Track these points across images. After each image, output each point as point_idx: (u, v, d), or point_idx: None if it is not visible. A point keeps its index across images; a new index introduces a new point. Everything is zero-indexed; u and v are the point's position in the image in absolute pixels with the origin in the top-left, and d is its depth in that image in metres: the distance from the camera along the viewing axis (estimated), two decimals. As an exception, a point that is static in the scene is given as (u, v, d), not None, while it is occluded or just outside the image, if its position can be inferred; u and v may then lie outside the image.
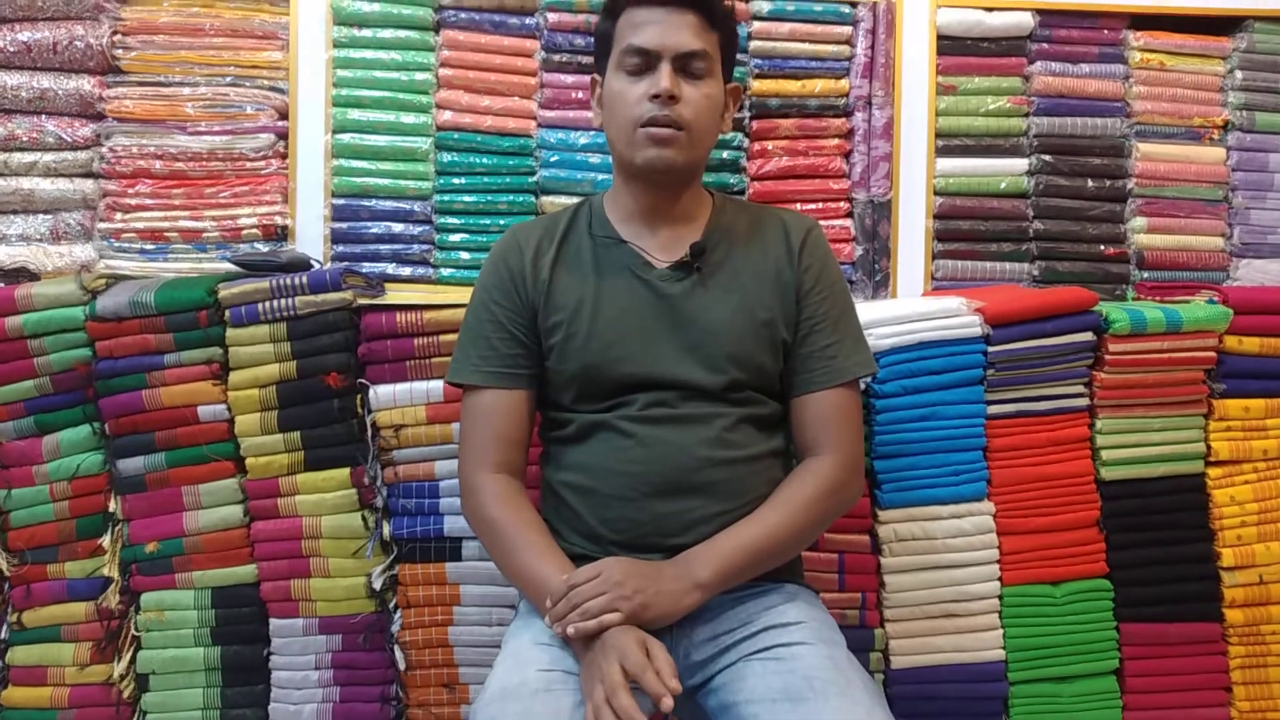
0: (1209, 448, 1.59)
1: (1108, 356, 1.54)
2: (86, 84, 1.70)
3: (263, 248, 1.74)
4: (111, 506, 1.53)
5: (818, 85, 1.78)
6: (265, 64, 1.74)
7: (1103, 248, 1.82)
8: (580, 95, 1.76)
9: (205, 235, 1.73)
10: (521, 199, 1.77)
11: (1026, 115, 1.82)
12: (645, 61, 1.21)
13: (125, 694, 1.54)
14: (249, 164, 1.74)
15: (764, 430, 1.25)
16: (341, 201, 1.75)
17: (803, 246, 1.27)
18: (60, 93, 1.70)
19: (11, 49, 1.69)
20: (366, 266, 1.74)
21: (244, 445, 1.51)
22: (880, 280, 1.80)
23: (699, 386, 1.21)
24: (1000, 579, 1.54)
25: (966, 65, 1.81)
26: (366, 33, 1.75)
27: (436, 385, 1.50)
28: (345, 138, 1.74)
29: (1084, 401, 1.57)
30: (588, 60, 1.73)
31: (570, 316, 1.24)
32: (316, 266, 1.62)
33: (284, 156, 1.75)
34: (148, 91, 1.72)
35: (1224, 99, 1.83)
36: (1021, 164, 1.82)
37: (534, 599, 1.17)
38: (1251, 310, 1.58)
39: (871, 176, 1.79)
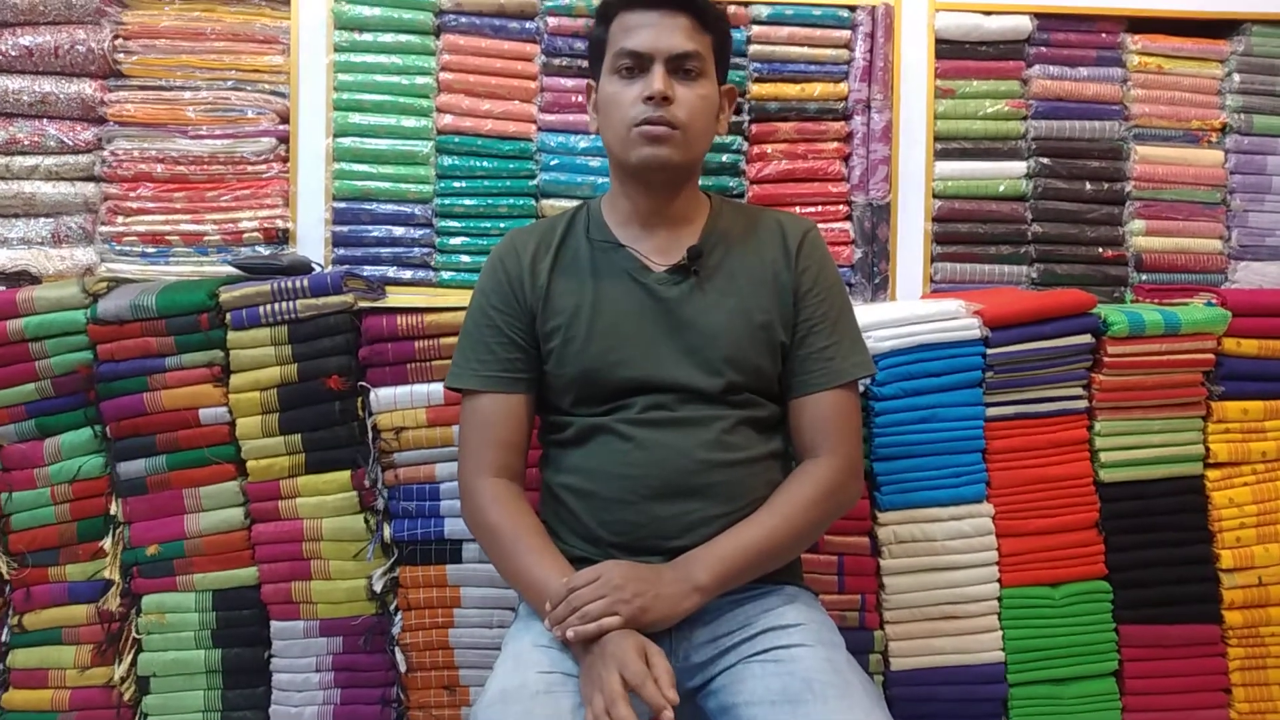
0: (1208, 450, 1.59)
1: (1106, 359, 1.54)
2: (88, 88, 1.71)
3: (264, 251, 1.74)
4: (113, 509, 1.54)
5: (817, 89, 1.79)
6: (266, 68, 1.75)
7: (1101, 250, 1.83)
8: (580, 99, 1.77)
9: (206, 239, 1.74)
10: (522, 202, 1.78)
11: (1025, 118, 1.82)
12: (639, 64, 1.21)
13: (126, 696, 1.55)
14: (250, 167, 1.74)
15: (763, 432, 1.26)
16: (342, 205, 1.76)
17: (800, 248, 1.28)
18: (62, 96, 1.70)
19: (13, 53, 1.69)
20: (367, 270, 1.74)
21: (245, 448, 1.52)
22: (879, 283, 1.80)
23: (697, 389, 1.22)
24: (999, 581, 1.55)
25: (965, 69, 1.82)
26: (367, 37, 1.75)
27: (437, 388, 1.51)
28: (346, 141, 1.75)
29: (1083, 404, 1.57)
30: (588, 64, 1.73)
31: (568, 321, 1.24)
32: (317, 270, 1.62)
33: (285, 160, 1.75)
34: (149, 95, 1.72)
35: (1222, 102, 1.84)
36: (1020, 167, 1.82)
37: (533, 602, 1.18)
38: (1250, 312, 1.59)
39: (870, 179, 1.80)
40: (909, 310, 1.56)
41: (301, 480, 1.52)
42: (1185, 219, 1.83)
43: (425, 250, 1.77)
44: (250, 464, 1.52)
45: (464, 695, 1.56)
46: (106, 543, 1.54)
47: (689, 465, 1.19)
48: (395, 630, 1.55)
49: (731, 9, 1.76)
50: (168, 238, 1.73)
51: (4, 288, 1.62)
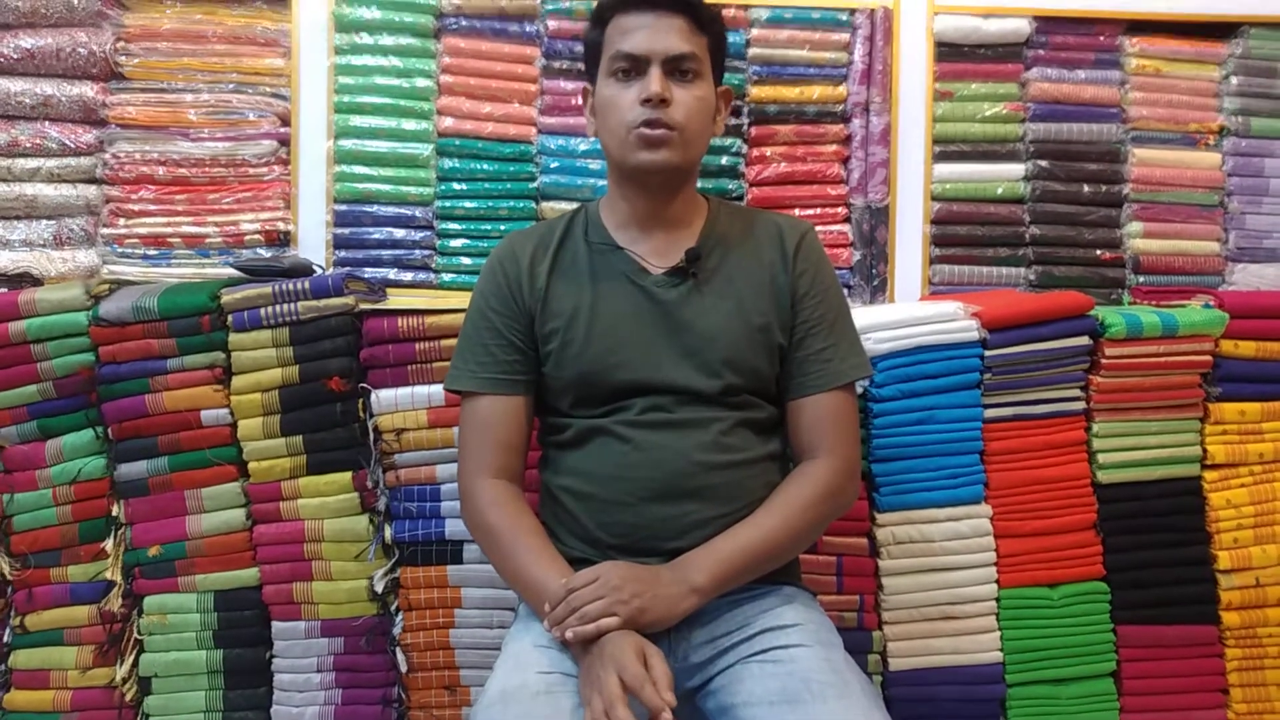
0: (1205, 451, 1.59)
1: (1104, 360, 1.55)
2: (89, 90, 1.72)
3: (265, 253, 1.75)
4: (114, 510, 1.54)
5: (816, 91, 1.79)
6: (267, 70, 1.75)
7: (1099, 252, 1.83)
8: (580, 101, 1.77)
9: (208, 241, 1.74)
10: (522, 205, 1.78)
11: (1023, 121, 1.83)
12: (635, 66, 1.22)
13: (128, 697, 1.55)
14: (251, 170, 1.75)
15: (761, 434, 1.26)
16: (343, 207, 1.76)
17: (797, 250, 1.28)
18: (63, 99, 1.71)
19: (15, 55, 1.70)
20: (368, 272, 1.75)
21: (246, 449, 1.52)
22: (878, 285, 1.81)
23: (695, 391, 1.22)
24: (998, 581, 1.55)
25: (964, 71, 1.82)
26: (368, 39, 1.76)
27: (438, 389, 1.51)
28: (347, 144, 1.75)
29: (1080, 405, 1.57)
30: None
31: (567, 323, 1.25)
32: (318, 272, 1.63)
33: (286, 162, 1.76)
34: (150, 98, 1.73)
35: (1220, 104, 1.84)
36: (1018, 169, 1.83)
37: (533, 603, 1.18)
38: (1247, 314, 1.59)
39: (869, 182, 1.80)
40: (907, 312, 1.56)
41: (303, 481, 1.53)
42: (1183, 221, 1.84)
43: (426, 252, 1.78)
44: (252, 465, 1.52)
45: (465, 695, 1.56)
46: (108, 544, 1.54)
47: (687, 467, 1.20)
48: (396, 631, 1.55)
49: (731, 11, 1.76)
50: (169, 240, 1.74)
51: (6, 289, 1.62)
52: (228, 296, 1.50)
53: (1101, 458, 1.57)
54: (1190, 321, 1.56)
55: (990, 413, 1.55)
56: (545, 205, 1.79)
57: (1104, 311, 1.58)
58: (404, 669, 1.55)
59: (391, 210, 1.77)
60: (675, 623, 1.13)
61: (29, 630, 1.56)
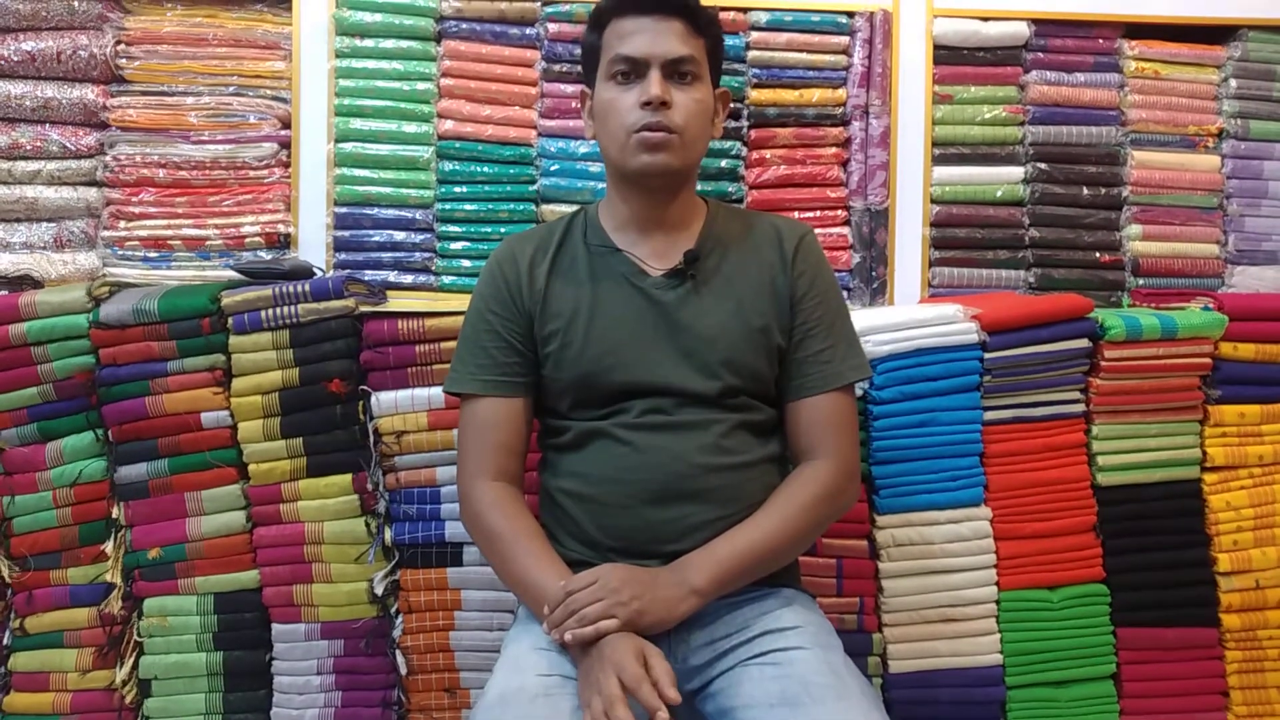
0: (1205, 453, 1.59)
1: (1103, 363, 1.55)
2: (90, 93, 1.72)
3: (265, 256, 1.75)
4: (114, 513, 1.54)
5: (815, 94, 1.79)
6: (268, 74, 1.76)
7: (1098, 255, 1.83)
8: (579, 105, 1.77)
9: (208, 243, 1.74)
10: (522, 207, 1.78)
11: (1022, 124, 1.83)
12: (634, 70, 1.22)
13: (127, 699, 1.55)
14: (252, 172, 1.75)
15: (760, 436, 1.26)
16: (344, 210, 1.77)
17: (796, 252, 1.28)
18: (64, 102, 1.71)
19: (15, 58, 1.70)
20: (368, 274, 1.75)
21: (246, 451, 1.52)
22: (877, 287, 1.81)
23: (695, 393, 1.22)
24: (997, 584, 1.55)
25: (963, 74, 1.82)
26: (369, 43, 1.76)
27: (438, 392, 1.51)
28: (347, 147, 1.76)
29: (1080, 407, 1.57)
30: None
31: (566, 325, 1.25)
32: (319, 274, 1.63)
33: (287, 165, 1.76)
34: (151, 101, 1.73)
35: (1218, 107, 1.84)
36: (1017, 172, 1.83)
37: (532, 606, 1.18)
38: (1246, 317, 1.59)
39: (869, 185, 1.80)
40: (907, 315, 1.56)
41: (303, 484, 1.53)
42: (1182, 224, 1.84)
43: (426, 255, 1.78)
44: (252, 467, 1.53)
45: (464, 697, 1.56)
46: (108, 546, 1.54)
47: (686, 469, 1.20)
48: (396, 633, 1.55)
49: (731, 15, 1.76)
50: (170, 242, 1.74)
51: (6, 292, 1.62)
52: (228, 299, 1.50)
53: (1101, 460, 1.57)
54: (1190, 324, 1.56)
55: (990, 415, 1.55)
56: (545, 208, 1.79)
57: (1103, 314, 1.58)
58: (404, 671, 1.55)
59: (392, 213, 1.77)
60: (674, 625, 1.13)
61: (29, 633, 1.56)
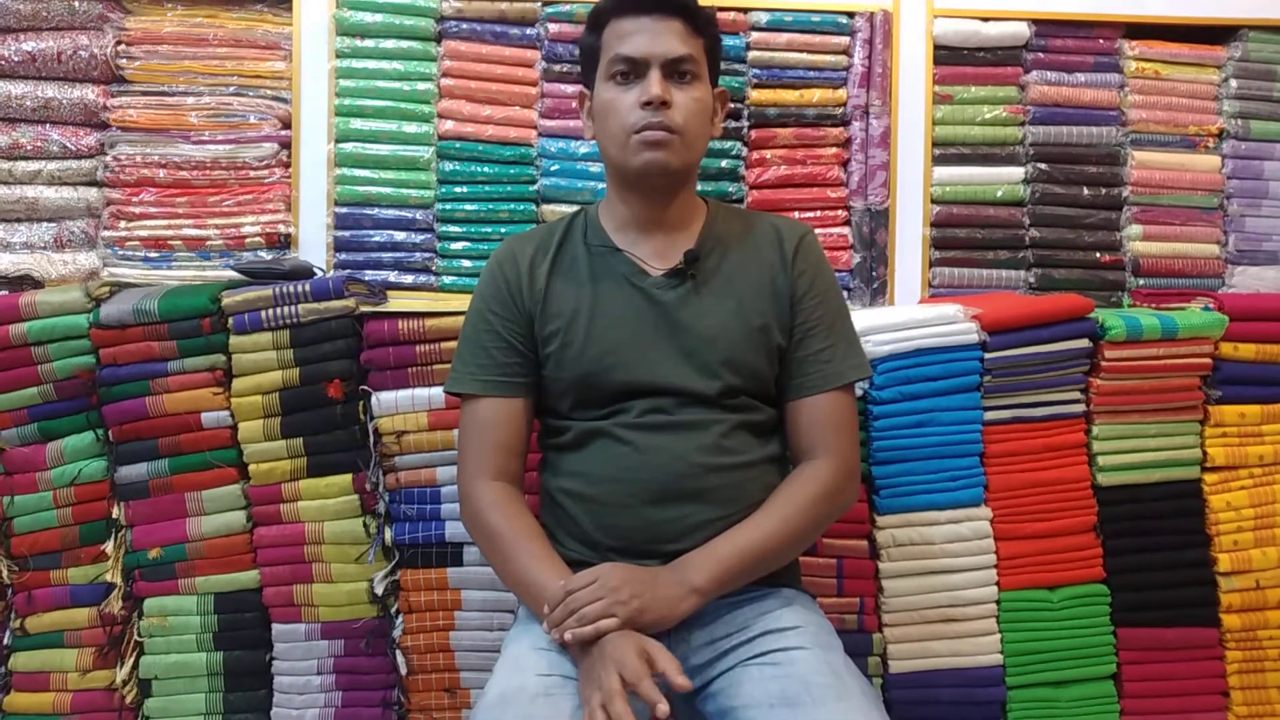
0: (1205, 453, 1.59)
1: (1104, 363, 1.55)
2: (90, 93, 1.72)
3: (266, 256, 1.75)
4: (115, 513, 1.54)
5: (815, 95, 1.80)
6: (268, 74, 1.76)
7: (1098, 255, 1.83)
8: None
9: (209, 243, 1.75)
10: (522, 208, 1.79)
11: (1022, 124, 1.83)
12: (634, 70, 1.22)
13: (128, 699, 1.55)
14: (252, 173, 1.75)
15: (760, 436, 1.26)
16: (344, 210, 1.77)
17: (796, 252, 1.28)
18: (65, 102, 1.71)
19: (16, 58, 1.71)
20: (369, 274, 1.75)
21: (247, 451, 1.52)
22: (878, 288, 1.81)
23: (695, 393, 1.22)
24: (998, 584, 1.55)
25: (963, 75, 1.83)
26: (369, 43, 1.76)
27: (438, 392, 1.51)
28: (348, 147, 1.76)
29: (1080, 408, 1.57)
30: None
31: (566, 325, 1.25)
32: (319, 274, 1.63)
33: (287, 165, 1.76)
34: (152, 101, 1.73)
35: (1219, 107, 1.85)
36: (1018, 172, 1.83)
37: (532, 605, 1.18)
38: (1247, 317, 1.59)
39: (869, 185, 1.80)
40: (907, 315, 1.56)
41: (303, 484, 1.53)
42: (1182, 224, 1.84)
43: (426, 255, 1.78)
44: (252, 468, 1.53)
45: (464, 698, 1.56)
46: (108, 546, 1.54)
47: (686, 469, 1.20)
48: (396, 633, 1.55)
49: (731, 15, 1.76)
50: (170, 242, 1.74)
51: (7, 292, 1.62)
52: (228, 299, 1.50)
53: (1101, 460, 1.57)
54: (1190, 324, 1.56)
55: (990, 415, 1.55)
56: (546, 208, 1.79)
57: (1104, 314, 1.58)
58: (404, 671, 1.55)
59: (392, 213, 1.77)
60: (675, 623, 1.13)
61: (29, 633, 1.56)
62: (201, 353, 1.51)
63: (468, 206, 1.78)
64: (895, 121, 1.80)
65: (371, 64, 1.76)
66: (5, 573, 1.55)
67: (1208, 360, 1.58)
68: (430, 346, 1.52)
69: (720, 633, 1.18)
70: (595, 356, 1.23)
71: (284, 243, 1.76)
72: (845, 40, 1.80)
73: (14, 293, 1.57)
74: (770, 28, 1.79)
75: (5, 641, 1.57)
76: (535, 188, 1.78)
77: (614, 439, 1.22)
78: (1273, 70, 1.83)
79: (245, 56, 1.75)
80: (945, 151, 1.83)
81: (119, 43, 1.72)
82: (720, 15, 1.66)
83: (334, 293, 1.51)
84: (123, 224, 1.74)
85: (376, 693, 1.57)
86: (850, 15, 1.79)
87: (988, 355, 1.53)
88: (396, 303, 1.58)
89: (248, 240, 1.75)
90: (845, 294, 1.74)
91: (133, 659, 1.55)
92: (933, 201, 1.82)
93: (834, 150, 1.81)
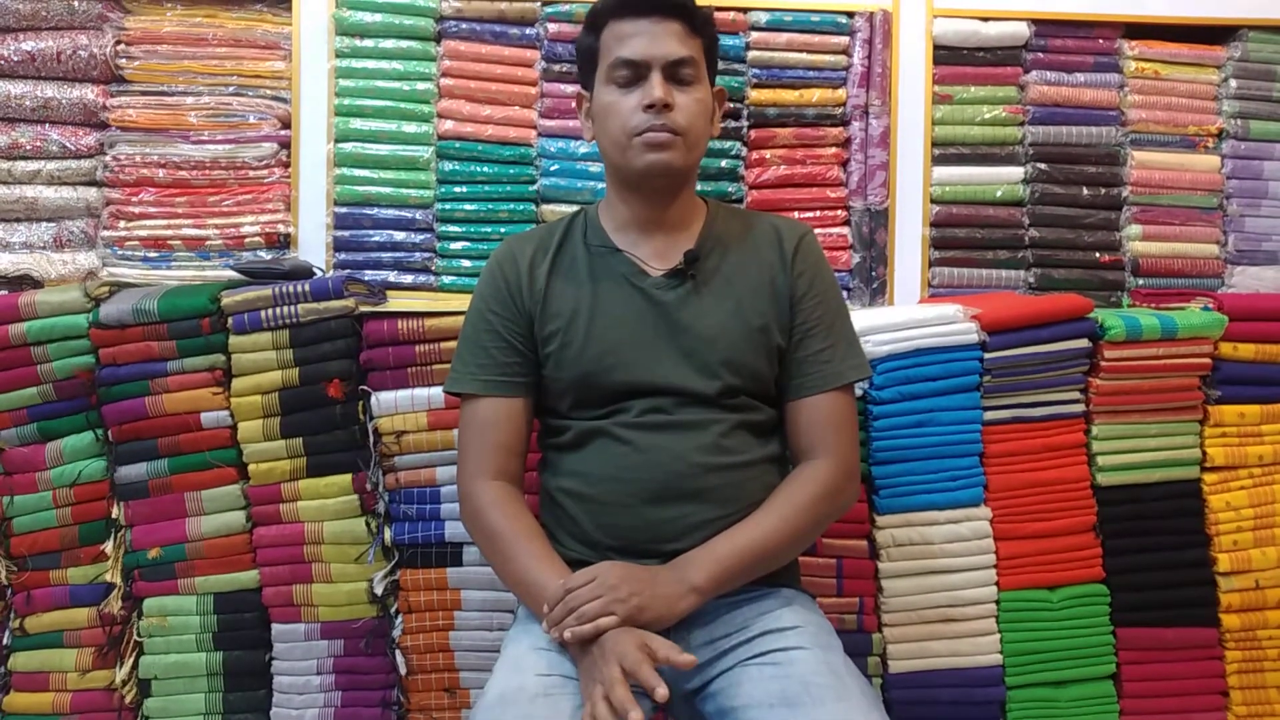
0: (1205, 453, 1.59)
1: (1103, 363, 1.55)
2: (90, 93, 1.72)
3: (265, 255, 1.75)
4: (114, 512, 1.54)
5: (815, 95, 1.79)
6: (268, 74, 1.76)
7: (1098, 255, 1.83)
8: (578, 105, 1.78)
9: (208, 243, 1.75)
10: (522, 207, 1.79)
11: (1022, 124, 1.83)
12: (635, 73, 1.22)
13: (127, 699, 1.55)
14: (252, 172, 1.75)
15: (760, 436, 1.26)
16: (343, 210, 1.77)
17: (796, 252, 1.28)
18: (64, 101, 1.71)
19: (15, 58, 1.70)
20: (368, 274, 1.75)
21: (246, 451, 1.52)
22: (877, 287, 1.81)
23: (694, 393, 1.22)
24: (997, 584, 1.55)
25: (963, 75, 1.82)
26: (368, 43, 1.76)
27: (438, 392, 1.51)
28: (347, 147, 1.76)
29: (1080, 407, 1.57)
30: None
31: (566, 325, 1.25)
32: (319, 274, 1.63)
33: (286, 165, 1.76)
34: (151, 100, 1.73)
35: (1218, 107, 1.85)
36: (1017, 172, 1.83)
37: (532, 605, 1.18)
38: (1246, 317, 1.59)
39: (869, 185, 1.80)
40: (907, 315, 1.56)
41: (302, 484, 1.53)
42: (1182, 224, 1.84)
43: (426, 255, 1.78)
44: (251, 467, 1.53)
45: (464, 697, 1.56)
46: (108, 546, 1.54)
47: (686, 469, 1.20)
48: (396, 633, 1.55)
49: (731, 15, 1.76)
50: (169, 242, 1.74)
51: (6, 292, 1.62)
52: (228, 299, 1.50)
53: (1101, 460, 1.57)
54: (1189, 324, 1.56)
55: (990, 415, 1.55)
56: (545, 208, 1.79)
57: (1103, 314, 1.58)
58: (404, 671, 1.55)
59: (391, 213, 1.77)
60: (674, 622, 1.13)
61: (28, 633, 1.56)
62: (201, 353, 1.51)
63: (467, 206, 1.78)
64: (895, 121, 1.80)
65: (371, 64, 1.76)
66: (4, 573, 1.55)
67: (1207, 360, 1.58)
68: (430, 346, 1.52)
69: (720, 632, 1.18)
70: (595, 356, 1.23)
71: (283, 243, 1.76)
72: (845, 40, 1.80)
73: (13, 293, 1.57)
74: (770, 27, 1.79)
75: (5, 641, 1.57)
76: (535, 188, 1.78)
77: (613, 439, 1.22)
78: (1272, 70, 1.83)
79: (245, 56, 1.75)
80: (945, 151, 1.83)
81: (118, 42, 1.72)
82: (719, 15, 1.67)
83: (333, 293, 1.51)
84: (122, 224, 1.74)
85: (376, 693, 1.57)
86: (850, 15, 1.79)
87: (987, 355, 1.53)
88: (396, 303, 1.58)
89: (247, 240, 1.75)
90: (845, 294, 1.74)
91: (132, 659, 1.55)
92: (932, 201, 1.82)
93: (833, 150, 1.81)
